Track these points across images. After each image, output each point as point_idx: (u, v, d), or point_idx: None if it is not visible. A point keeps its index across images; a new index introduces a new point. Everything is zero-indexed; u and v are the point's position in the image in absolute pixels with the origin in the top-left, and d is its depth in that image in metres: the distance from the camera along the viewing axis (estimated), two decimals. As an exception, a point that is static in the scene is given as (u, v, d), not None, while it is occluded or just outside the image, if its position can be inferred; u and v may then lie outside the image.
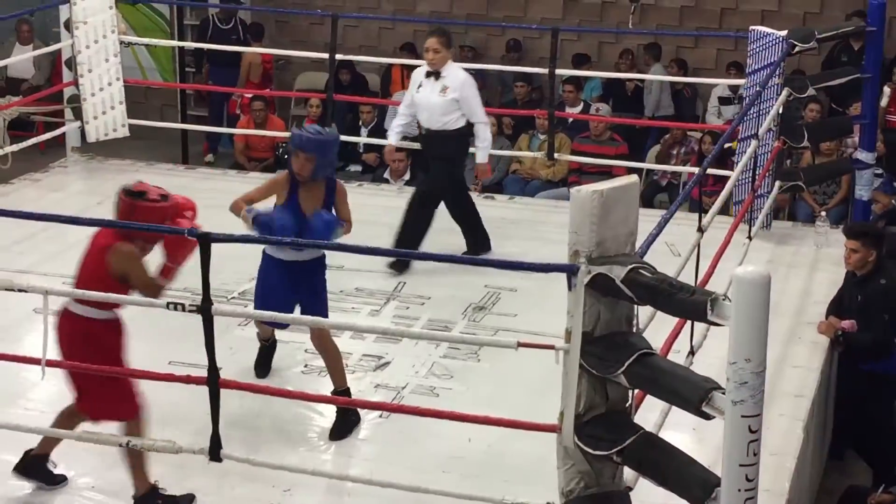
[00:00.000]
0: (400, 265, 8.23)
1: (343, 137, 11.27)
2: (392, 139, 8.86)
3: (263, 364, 6.90)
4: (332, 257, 8.20)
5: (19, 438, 5.87)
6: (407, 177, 11.32)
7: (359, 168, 12.07)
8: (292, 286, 6.44)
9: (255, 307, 6.57)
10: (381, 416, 6.39)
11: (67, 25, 10.32)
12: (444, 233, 9.04)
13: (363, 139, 11.65)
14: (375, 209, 9.65)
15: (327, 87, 10.69)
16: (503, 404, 6.14)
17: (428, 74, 8.34)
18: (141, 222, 5.48)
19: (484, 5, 13.48)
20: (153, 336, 7.12)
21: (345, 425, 6.34)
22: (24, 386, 6.56)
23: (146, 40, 12.52)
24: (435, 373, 6.99)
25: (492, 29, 13.36)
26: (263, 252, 6.61)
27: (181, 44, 12.97)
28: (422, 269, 8.20)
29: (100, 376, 5.56)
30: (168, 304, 5.36)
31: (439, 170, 8.58)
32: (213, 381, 5.31)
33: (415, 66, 12.28)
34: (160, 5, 13.94)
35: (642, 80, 12.42)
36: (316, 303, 6.46)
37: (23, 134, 11.25)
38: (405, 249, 8.16)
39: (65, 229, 8.29)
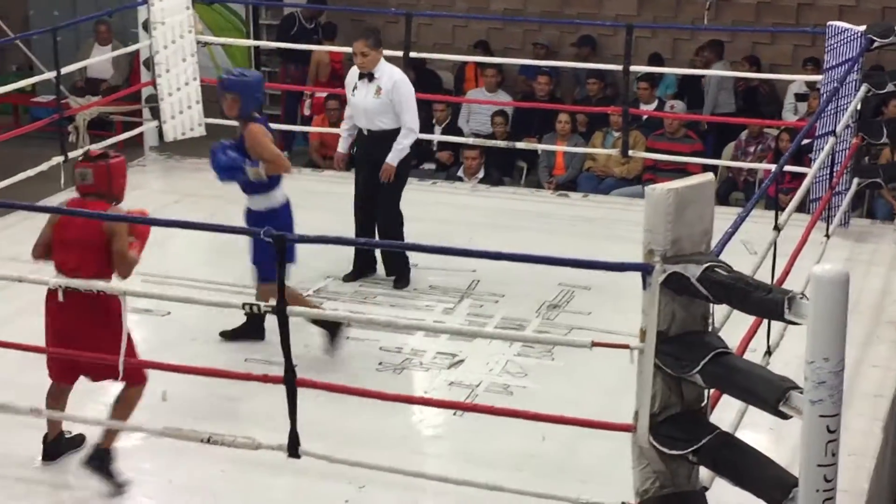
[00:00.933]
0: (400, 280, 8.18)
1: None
2: (342, 147, 8.51)
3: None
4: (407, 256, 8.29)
5: (95, 433, 5.96)
6: (481, 174, 11.33)
7: (432, 166, 12.09)
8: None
9: None
10: (455, 414, 6.40)
11: (145, 26, 10.45)
12: (519, 230, 9.05)
13: (437, 137, 11.68)
14: (449, 207, 9.70)
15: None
16: (577, 403, 6.13)
17: (361, 76, 8.07)
18: (119, 177, 6.01)
19: (558, 2, 13.44)
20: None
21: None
22: (104, 384, 6.64)
23: (222, 40, 12.66)
24: (509, 371, 6.99)
25: (565, 26, 13.31)
26: None
27: (257, 43, 13.08)
28: (495, 267, 8.19)
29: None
30: (243, 304, 5.43)
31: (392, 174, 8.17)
32: (291, 381, 5.36)
33: (488, 65, 12.42)
34: (236, 5, 14.07)
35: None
36: (260, 250, 6.87)
37: (102, 133, 11.39)
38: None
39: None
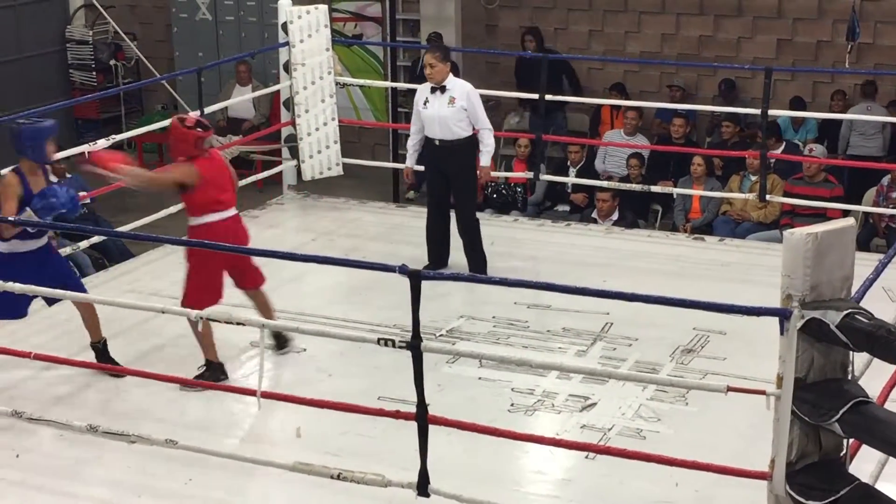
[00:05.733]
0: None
1: (550, 178, 11.40)
2: (409, 161, 9.29)
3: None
4: (539, 297, 8.27)
5: (230, 467, 6.06)
6: (615, 217, 11.28)
7: (566, 208, 12.08)
8: (37, 273, 6.97)
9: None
10: (586, 458, 6.36)
11: (286, 67, 10.64)
12: (653, 273, 8.98)
13: (571, 179, 11.67)
14: (583, 249, 9.67)
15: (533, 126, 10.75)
16: (711, 449, 6.05)
17: (433, 90, 8.81)
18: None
19: (695, 45, 13.37)
20: (364, 372, 7.29)
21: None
22: (239, 417, 6.76)
23: (360, 81, 12.82)
24: (642, 415, 6.93)
25: (703, 69, 13.23)
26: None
27: (394, 84, 13.22)
28: (629, 310, 8.13)
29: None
30: (378, 339, 5.48)
31: (465, 180, 8.95)
32: (422, 417, 5.39)
33: (625, 108, 12.39)
34: (374, 47, 14.28)
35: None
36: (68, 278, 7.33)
37: (242, 171, 11.58)
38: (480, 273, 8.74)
39: (281, 265, 8.49)
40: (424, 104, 8.85)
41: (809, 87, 12.93)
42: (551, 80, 11.01)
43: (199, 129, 7.18)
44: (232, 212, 7.34)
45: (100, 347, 7.39)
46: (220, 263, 7.16)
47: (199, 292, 7.06)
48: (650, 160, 12.18)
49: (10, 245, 7.05)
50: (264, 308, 7.45)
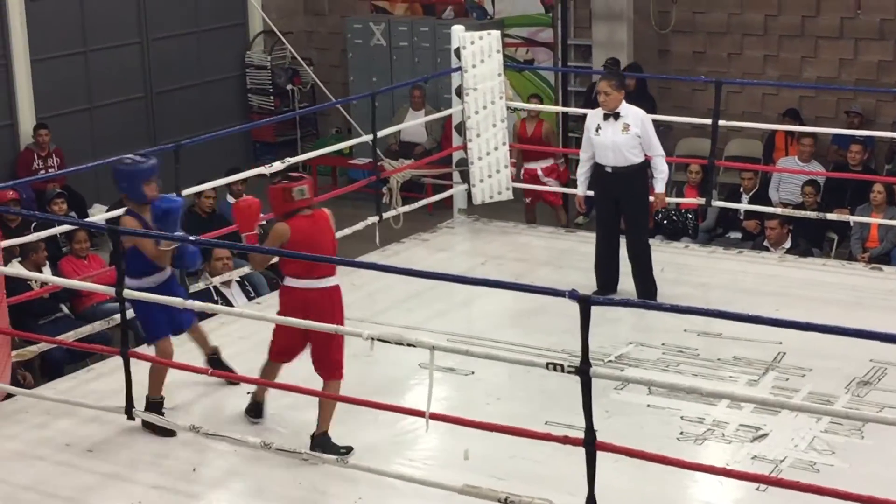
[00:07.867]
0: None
1: (724, 204, 11.28)
2: (580, 190, 9.31)
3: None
4: (710, 324, 8.17)
5: (399, 487, 6.12)
6: (787, 244, 11.07)
7: (738, 235, 11.90)
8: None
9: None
10: (757, 489, 6.25)
11: (458, 92, 10.74)
12: (828, 303, 8.79)
13: (744, 206, 11.51)
14: (755, 277, 9.53)
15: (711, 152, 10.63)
16: (888, 484, 5.89)
17: (606, 116, 8.79)
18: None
19: (874, 70, 13.07)
20: (532, 396, 7.30)
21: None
22: (409, 437, 6.83)
23: (531, 106, 12.86)
24: (815, 448, 6.78)
25: (882, 94, 12.92)
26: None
27: (565, 109, 13.21)
28: (803, 340, 7.96)
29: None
30: (547, 364, 5.50)
31: (638, 207, 8.94)
32: (590, 443, 5.38)
33: (803, 134, 12.18)
34: (546, 72, 14.30)
35: None
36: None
37: (413, 195, 11.75)
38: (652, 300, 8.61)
39: (451, 288, 8.60)
40: (597, 131, 8.84)
41: None
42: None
43: (283, 181, 6.69)
44: (327, 282, 6.69)
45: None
46: (298, 334, 6.65)
47: (275, 345, 6.87)
48: (826, 187, 11.93)
49: (139, 282, 6.93)
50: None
